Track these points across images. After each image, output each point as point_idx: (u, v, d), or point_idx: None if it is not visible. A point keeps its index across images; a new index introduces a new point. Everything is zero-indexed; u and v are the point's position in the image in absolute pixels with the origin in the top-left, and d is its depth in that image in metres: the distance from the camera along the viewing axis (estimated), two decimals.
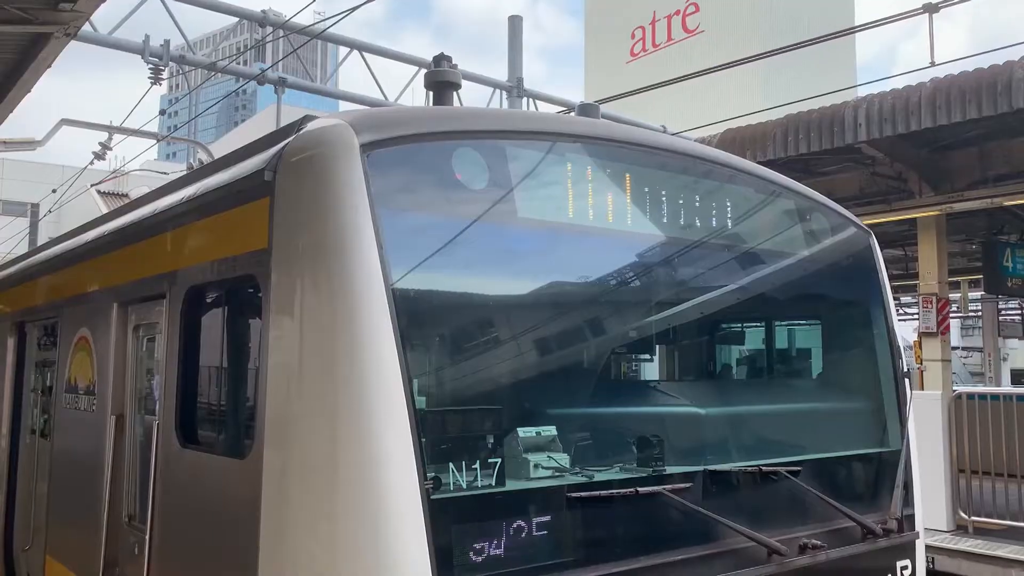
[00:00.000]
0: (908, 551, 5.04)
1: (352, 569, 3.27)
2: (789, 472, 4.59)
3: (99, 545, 5.22)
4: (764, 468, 4.52)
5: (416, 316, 3.57)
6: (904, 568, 4.97)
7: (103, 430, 5.39)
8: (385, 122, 3.82)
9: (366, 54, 16.82)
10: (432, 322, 3.80)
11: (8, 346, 8.04)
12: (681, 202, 4.72)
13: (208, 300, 4.50)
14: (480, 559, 3.43)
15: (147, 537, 4.58)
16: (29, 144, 14.90)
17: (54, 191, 24.93)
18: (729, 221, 4.92)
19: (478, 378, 4.05)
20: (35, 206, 32.09)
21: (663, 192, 4.62)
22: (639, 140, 4.63)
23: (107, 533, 5.21)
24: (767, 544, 4.20)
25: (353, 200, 3.49)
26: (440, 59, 4.97)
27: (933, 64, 11.98)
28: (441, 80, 4.85)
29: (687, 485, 4.16)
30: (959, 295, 25.63)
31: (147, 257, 5.12)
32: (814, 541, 4.45)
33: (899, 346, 5.65)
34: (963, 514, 11.36)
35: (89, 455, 5.63)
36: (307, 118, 3.95)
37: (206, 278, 4.36)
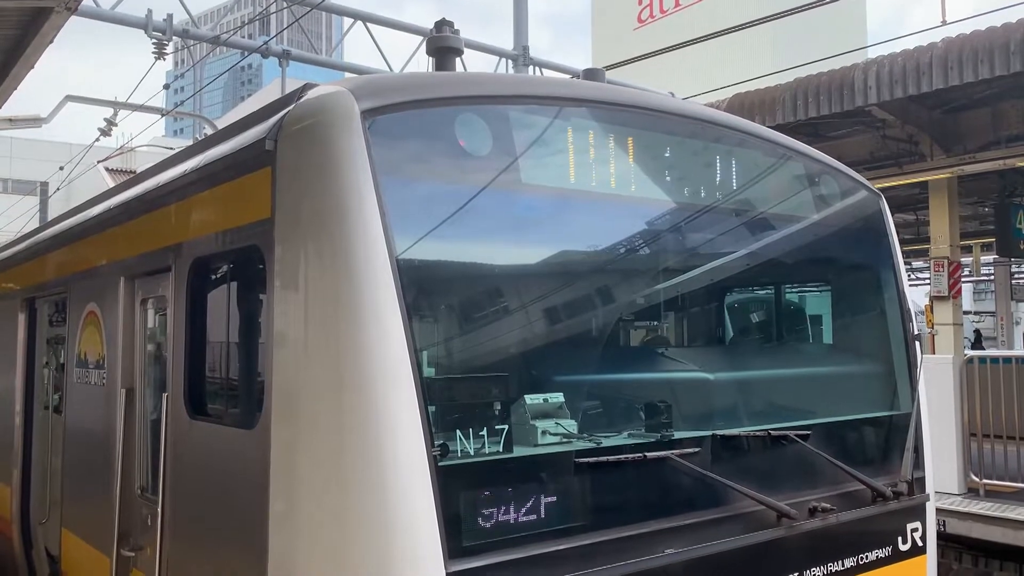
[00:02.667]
0: (918, 513, 5.04)
1: (361, 536, 3.28)
2: (798, 436, 4.58)
3: (112, 517, 5.27)
4: (773, 432, 4.51)
5: (419, 282, 3.56)
6: (914, 530, 4.97)
7: (114, 404, 5.42)
8: (386, 88, 3.78)
9: (370, 25, 16.68)
10: (436, 288, 3.79)
11: (19, 322, 8.08)
12: (689, 167, 4.67)
13: (214, 272, 4.49)
14: (489, 524, 3.44)
15: (159, 508, 4.61)
16: (35, 121, 14.88)
17: (62, 168, 24.94)
18: (738, 185, 4.87)
19: (484, 345, 4.04)
20: (44, 184, 32.14)
21: (671, 157, 4.57)
22: (646, 104, 4.57)
23: (120, 505, 5.25)
24: (776, 507, 4.20)
25: (354, 168, 3.46)
26: (442, 24, 4.90)
27: (944, 23, 11.79)
28: (443, 46, 4.79)
29: (695, 450, 4.15)
30: (971, 259, 25.46)
31: (152, 230, 5.11)
32: (824, 504, 4.45)
33: (909, 309, 5.60)
34: (974, 477, 11.36)
35: (101, 429, 5.67)
36: (307, 86, 3.91)
37: (211, 250, 4.35)
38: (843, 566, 4.53)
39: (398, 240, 3.45)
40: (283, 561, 3.49)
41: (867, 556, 4.68)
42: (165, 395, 4.65)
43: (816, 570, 4.40)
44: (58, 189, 25.27)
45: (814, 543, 4.41)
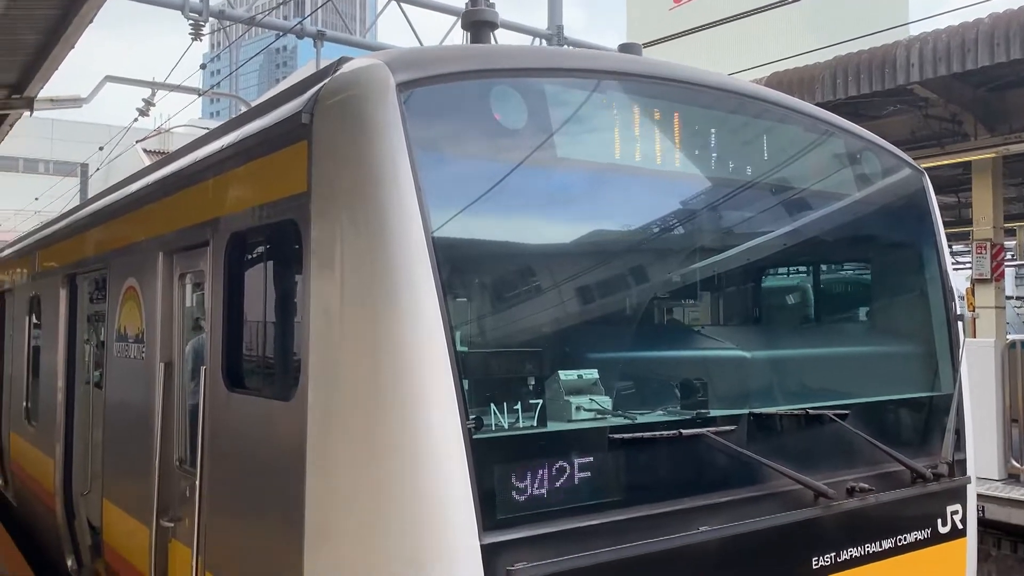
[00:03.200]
0: (959, 496, 4.96)
1: (397, 507, 3.30)
2: (836, 415, 4.51)
3: (152, 488, 5.36)
4: (811, 411, 4.46)
5: (454, 255, 3.55)
6: (954, 513, 4.89)
7: (153, 377, 5.50)
8: (421, 60, 3.76)
9: (404, 4, 16.65)
10: (471, 261, 3.78)
11: (60, 298, 8.22)
12: (728, 142, 4.59)
13: (251, 246, 4.52)
14: (523, 498, 3.44)
15: (198, 479, 4.68)
16: (75, 101, 15.10)
17: (101, 149, 25.34)
18: (778, 162, 4.79)
19: (518, 320, 4.03)
20: (84, 166, 32.72)
21: (709, 132, 4.50)
22: (684, 77, 4.50)
23: (159, 476, 5.34)
24: (813, 486, 4.16)
25: (389, 140, 3.45)
26: None
27: None
28: (478, 19, 4.76)
29: (732, 428, 4.11)
30: (1015, 242, 24.90)
31: (190, 206, 5.16)
32: (862, 484, 4.39)
33: (952, 288, 5.49)
34: (1015, 463, 11.16)
35: (140, 402, 5.76)
36: (343, 60, 3.91)
37: (248, 224, 4.37)
38: (880, 547, 4.47)
39: (433, 213, 3.44)
40: (319, 530, 3.52)
41: (905, 538, 4.61)
42: (203, 368, 4.70)
43: (853, 551, 4.35)
44: (98, 169, 25.68)
45: (851, 523, 4.36)
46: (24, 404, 9.87)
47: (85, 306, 8.14)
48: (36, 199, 40.77)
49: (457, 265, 3.60)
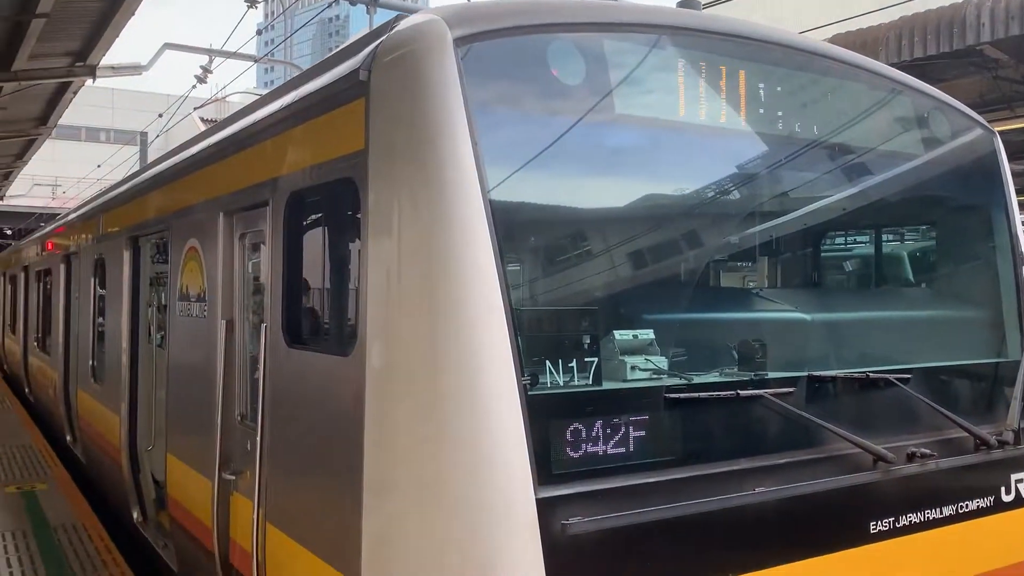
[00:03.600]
0: None
1: (453, 461, 3.34)
2: (898, 380, 4.42)
3: (214, 443, 5.50)
4: (872, 375, 4.38)
5: (510, 213, 3.54)
6: (1019, 481, 4.77)
7: (214, 335, 5.62)
8: (479, 16, 3.73)
9: None
10: (527, 219, 3.77)
11: (124, 260, 8.44)
12: (792, 100, 4.48)
13: (309, 205, 4.57)
14: (577, 455, 3.45)
15: (258, 434, 4.79)
16: (135, 69, 15.37)
17: (160, 116, 25.84)
18: (844, 121, 4.67)
19: (573, 279, 4.02)
20: (143, 134, 33.44)
21: (772, 89, 4.40)
22: (746, 33, 4.39)
23: (221, 431, 5.48)
24: (873, 450, 4.09)
25: (446, 96, 3.45)
26: None
27: None
28: None
29: (790, 390, 4.06)
30: None
31: (250, 166, 5.23)
32: (923, 450, 4.31)
33: (1022, 253, 5.32)
34: None
35: (202, 359, 5.90)
36: (400, 16, 3.90)
37: (307, 183, 4.42)
38: (941, 513, 4.39)
39: (490, 169, 3.44)
40: (377, 483, 3.59)
41: (967, 505, 4.52)
42: (263, 325, 4.79)
43: (912, 516, 4.28)
44: (157, 136, 26.20)
45: (911, 489, 4.28)
46: (90, 363, 10.20)
47: (148, 267, 8.35)
48: (98, 166, 41.80)
49: (514, 222, 3.60)
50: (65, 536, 8.36)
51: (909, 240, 5.88)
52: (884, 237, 5.59)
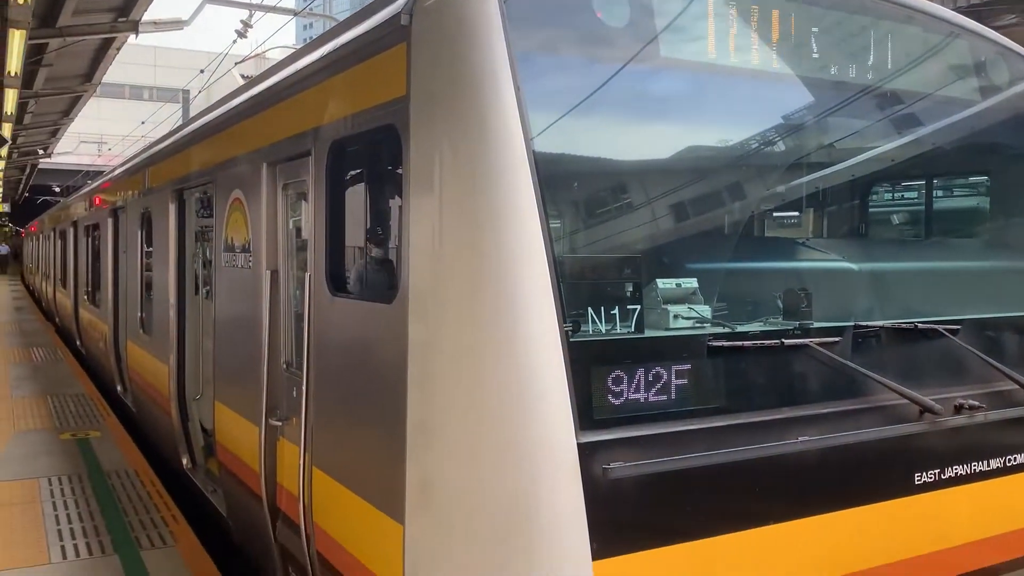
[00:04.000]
0: None
1: (495, 405, 3.36)
2: (947, 331, 4.34)
3: (261, 390, 5.61)
4: (920, 325, 4.30)
5: (553, 160, 3.51)
6: None
7: (260, 285, 5.70)
8: None
9: None
10: (570, 166, 3.74)
11: (169, 213, 8.56)
12: (845, 44, 4.36)
13: (352, 153, 4.58)
14: (619, 401, 3.45)
15: (304, 380, 4.87)
16: (176, 24, 15.44)
17: (202, 71, 26.00)
18: (899, 65, 4.53)
19: (616, 226, 3.99)
20: (185, 92, 33.72)
21: (825, 32, 4.27)
22: None
23: (268, 379, 5.58)
24: (920, 401, 4.04)
25: (488, 40, 3.41)
26: None
27: None
28: None
29: (836, 339, 4.01)
30: None
31: (292, 117, 5.25)
32: (971, 401, 4.24)
33: None
34: None
35: (248, 309, 5.99)
36: None
37: (349, 131, 4.42)
38: (988, 466, 4.33)
39: (532, 114, 3.40)
40: (420, 427, 3.63)
41: (1016, 458, 4.45)
42: (307, 274, 4.84)
43: (959, 468, 4.23)
44: (199, 92, 26.39)
45: (958, 441, 4.23)
46: (139, 315, 10.43)
47: (193, 220, 8.46)
48: (143, 123, 42.34)
49: (556, 168, 3.57)
50: (118, 480, 8.64)
51: (965, 189, 5.71)
52: (936, 186, 5.45)
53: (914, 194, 5.47)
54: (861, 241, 5.24)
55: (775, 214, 4.83)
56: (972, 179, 5.58)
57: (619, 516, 3.35)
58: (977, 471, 4.29)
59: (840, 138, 4.58)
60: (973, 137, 5.02)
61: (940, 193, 5.59)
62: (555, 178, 3.53)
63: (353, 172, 4.65)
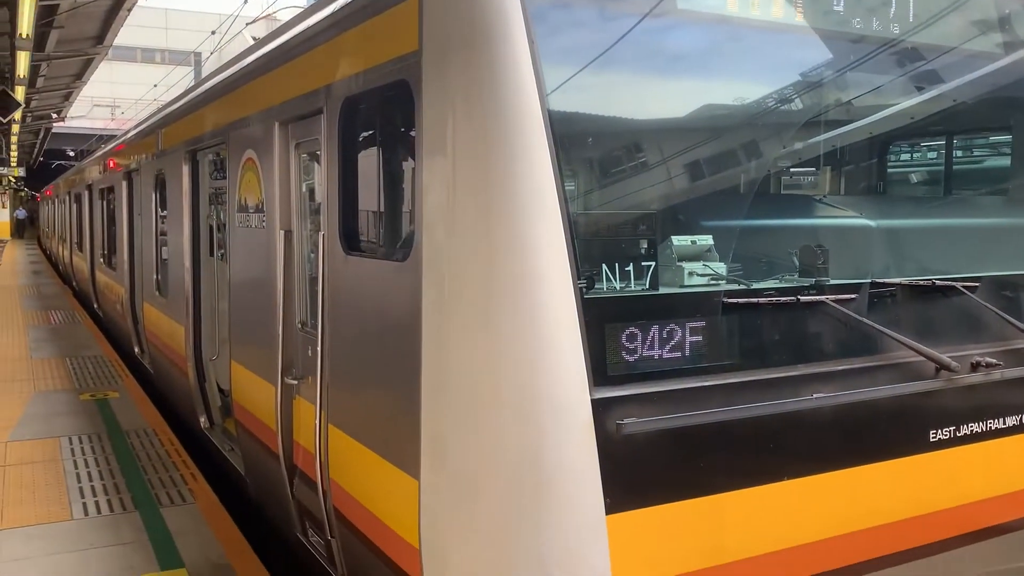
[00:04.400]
0: None
1: (509, 360, 3.36)
2: (965, 288, 4.30)
3: (277, 349, 5.65)
4: (938, 282, 4.26)
5: (568, 115, 3.47)
6: None
7: (274, 245, 5.71)
8: None
9: None
10: (584, 121, 3.69)
11: (183, 174, 8.56)
12: None
13: (364, 111, 4.55)
14: (633, 358, 3.45)
15: (319, 339, 4.89)
16: None
17: (213, 33, 25.87)
18: (923, 18, 4.43)
19: (631, 183, 3.96)
20: (197, 54, 33.57)
21: None
22: None
23: (283, 338, 5.61)
24: (936, 359, 4.01)
25: None
26: None
27: None
28: None
29: (852, 296, 3.98)
30: None
31: (303, 74, 5.21)
32: (988, 359, 4.22)
33: None
34: None
35: (262, 269, 6.01)
36: None
37: (361, 88, 4.38)
38: (1004, 424, 4.32)
39: (547, 69, 3.36)
40: (435, 383, 3.65)
41: None
42: (321, 234, 4.84)
43: (975, 426, 4.22)
44: (211, 54, 26.28)
45: (975, 398, 4.21)
46: (155, 277, 10.49)
47: (207, 181, 8.46)
48: (155, 86, 42.26)
49: (570, 124, 3.53)
50: (137, 439, 8.76)
51: (988, 145, 5.61)
52: (957, 143, 5.36)
53: (933, 154, 5.38)
54: (879, 198, 5.17)
55: (793, 171, 4.77)
56: (995, 135, 5.48)
57: (633, 471, 3.36)
58: (993, 428, 4.28)
59: (862, 94, 4.50)
60: (996, 92, 4.92)
61: (960, 154, 5.50)
62: (570, 134, 3.50)
63: (366, 130, 4.62)
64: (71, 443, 8.59)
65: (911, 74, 4.60)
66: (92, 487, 7.28)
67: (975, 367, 4.18)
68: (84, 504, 6.86)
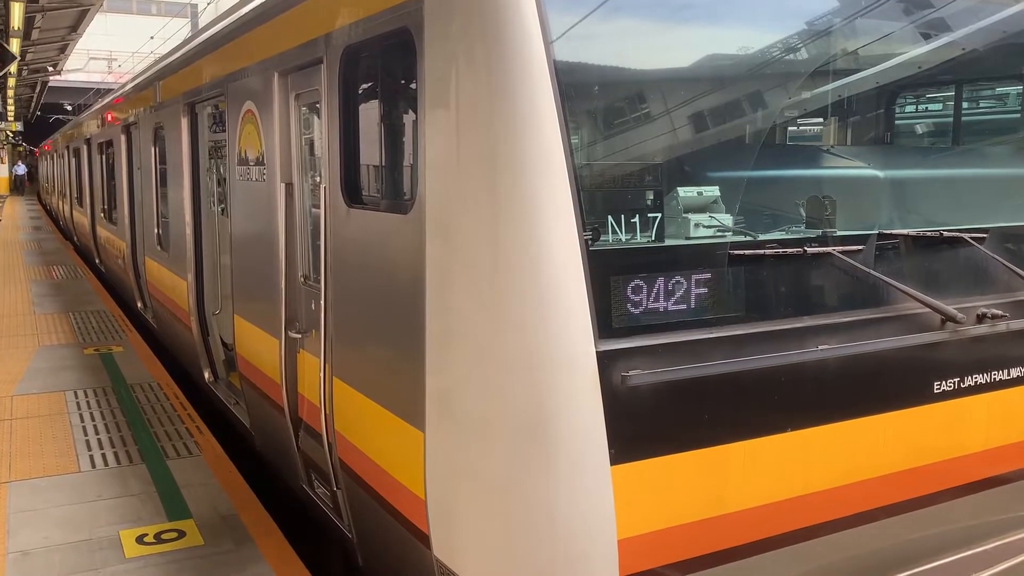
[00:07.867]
0: None
1: (513, 312, 3.35)
2: (973, 239, 4.27)
3: (280, 303, 5.64)
4: (944, 233, 4.23)
5: (572, 63, 3.40)
6: None
7: (275, 198, 5.66)
8: None
9: None
10: (590, 72, 3.62)
11: (182, 127, 8.47)
12: None
13: (365, 60, 4.47)
14: (638, 310, 3.43)
15: (322, 293, 4.88)
16: None
17: None
18: None
19: (638, 133, 3.90)
20: (193, 6, 33.06)
21: None
22: None
23: (286, 292, 5.60)
24: (941, 310, 4.00)
25: None
26: None
27: None
28: None
29: (858, 248, 3.95)
30: None
31: (302, 23, 5.11)
32: (994, 311, 4.20)
33: None
34: None
35: (264, 223, 5.97)
36: None
37: (361, 36, 4.30)
38: (1008, 375, 4.32)
39: (551, 15, 3.28)
40: (440, 335, 3.64)
41: None
42: (323, 186, 4.79)
43: (979, 377, 4.22)
44: (208, 5, 25.88)
45: (980, 350, 4.21)
46: (156, 232, 10.45)
47: (206, 134, 8.38)
48: (151, 38, 41.70)
49: (575, 73, 3.46)
50: (142, 393, 8.81)
51: (990, 98, 5.54)
52: (966, 93, 5.28)
53: (939, 106, 5.30)
54: (887, 149, 5.11)
55: (800, 121, 4.70)
56: (1009, 84, 5.40)
57: (637, 423, 3.37)
58: (997, 380, 4.28)
59: (869, 43, 4.41)
60: (1006, 40, 4.83)
61: (967, 105, 5.41)
62: (576, 83, 3.43)
63: (367, 79, 4.55)
64: (76, 397, 8.64)
65: (919, 22, 4.51)
66: (99, 440, 7.34)
67: (981, 318, 4.17)
68: (91, 456, 6.92)
